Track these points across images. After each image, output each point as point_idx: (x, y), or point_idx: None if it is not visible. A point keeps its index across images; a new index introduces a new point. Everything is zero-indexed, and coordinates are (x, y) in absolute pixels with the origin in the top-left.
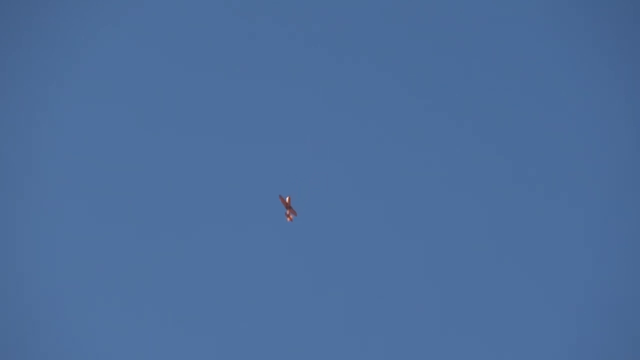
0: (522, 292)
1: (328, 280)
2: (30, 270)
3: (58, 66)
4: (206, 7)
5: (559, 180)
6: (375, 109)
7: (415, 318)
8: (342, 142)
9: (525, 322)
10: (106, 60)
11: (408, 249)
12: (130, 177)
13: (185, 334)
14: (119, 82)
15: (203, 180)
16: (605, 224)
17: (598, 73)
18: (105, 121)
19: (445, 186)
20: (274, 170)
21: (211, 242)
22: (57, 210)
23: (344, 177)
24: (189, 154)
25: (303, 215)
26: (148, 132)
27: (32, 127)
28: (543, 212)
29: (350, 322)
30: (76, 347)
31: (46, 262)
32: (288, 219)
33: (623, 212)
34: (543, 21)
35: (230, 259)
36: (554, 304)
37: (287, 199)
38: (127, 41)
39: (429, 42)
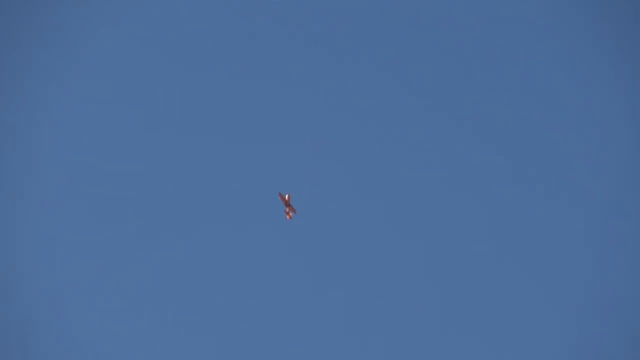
0: (522, 292)
1: (328, 280)
2: (30, 270)
3: (58, 66)
4: (206, 7)
5: (559, 180)
6: (375, 109)
7: (414, 318)
8: (342, 142)
9: (525, 322)
10: (106, 60)
11: (408, 249)
12: (130, 177)
13: (185, 334)
14: (119, 82)
15: (203, 180)
16: (605, 224)
17: (598, 73)
18: (105, 121)
19: (445, 186)
20: (274, 169)
21: (211, 242)
22: (57, 210)
23: (344, 176)
24: (189, 153)
25: (303, 214)
26: (148, 132)
27: (32, 127)
28: (543, 212)
29: (350, 321)
30: (76, 347)
31: (46, 262)
32: (287, 217)
33: (623, 212)
34: (543, 21)
35: (230, 259)
36: (554, 304)
37: (286, 196)
38: (127, 41)
39: (429, 42)
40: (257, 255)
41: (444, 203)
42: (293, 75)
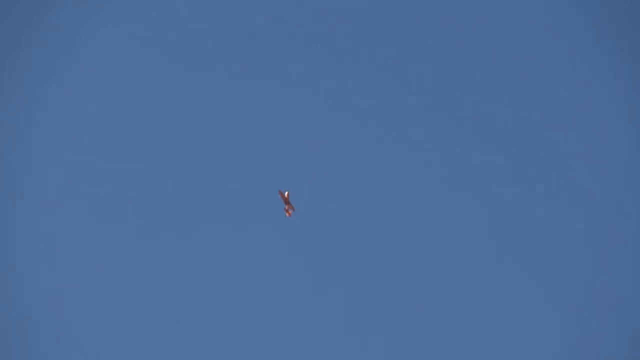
0: (522, 292)
1: (328, 279)
2: (30, 270)
3: (58, 66)
4: (206, 7)
5: (559, 180)
6: (375, 109)
7: (414, 318)
8: (342, 142)
9: (525, 322)
10: (106, 60)
11: (407, 249)
12: (131, 177)
13: (185, 334)
14: (119, 82)
15: (203, 180)
16: (605, 224)
17: (598, 73)
18: (106, 121)
19: (444, 186)
20: (274, 169)
21: (211, 241)
22: (57, 210)
23: (343, 176)
24: (189, 154)
25: (303, 214)
26: (148, 132)
27: (32, 127)
28: (543, 212)
29: (350, 321)
30: (76, 347)
31: (46, 262)
32: (287, 214)
33: (623, 212)
34: (543, 21)
35: (230, 259)
36: (554, 304)
37: (285, 194)
38: (127, 41)
39: (429, 42)
40: (258, 255)
41: (443, 203)
42: (293, 75)
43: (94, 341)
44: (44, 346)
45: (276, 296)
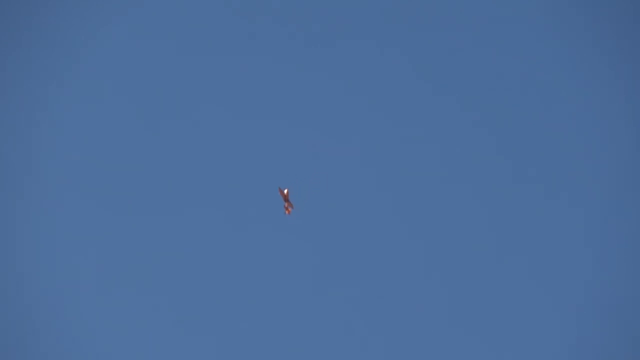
0: (521, 292)
1: (328, 279)
2: (30, 270)
3: (58, 66)
4: (206, 7)
5: (559, 180)
6: (375, 109)
7: (413, 318)
8: (342, 142)
9: (525, 322)
10: (106, 60)
11: (406, 249)
12: (131, 177)
13: (185, 334)
14: (119, 82)
15: (204, 180)
16: (605, 224)
17: (598, 73)
18: (106, 121)
19: (444, 186)
20: (274, 169)
21: (212, 241)
22: (57, 210)
23: (343, 176)
24: (189, 153)
25: (304, 213)
26: (148, 132)
27: (32, 127)
28: (543, 212)
29: (350, 321)
30: (76, 347)
31: (46, 262)
32: (286, 212)
33: (623, 212)
34: (543, 21)
35: (230, 259)
36: (554, 304)
37: (285, 191)
38: (127, 41)
39: (429, 41)
40: (258, 254)
41: (443, 203)
42: (293, 75)
43: (94, 341)
44: (44, 346)
45: (277, 296)
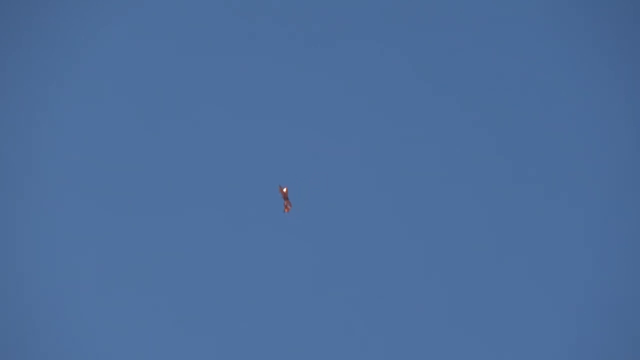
0: (521, 292)
1: (328, 279)
2: (30, 270)
3: (58, 66)
4: (206, 7)
5: (559, 180)
6: (375, 108)
7: (414, 318)
8: (341, 142)
9: (525, 321)
10: (106, 60)
11: (406, 249)
12: (131, 177)
13: (185, 334)
14: (119, 82)
15: (204, 180)
16: (605, 224)
17: (598, 73)
18: (106, 121)
19: (444, 186)
20: (274, 169)
21: (212, 241)
22: (57, 210)
23: (343, 176)
24: (190, 153)
25: (304, 213)
26: (148, 132)
27: (32, 127)
28: (543, 212)
29: (350, 321)
30: (76, 347)
31: (46, 262)
32: (286, 210)
33: (623, 212)
34: (543, 21)
35: (230, 258)
36: (554, 304)
37: (284, 189)
38: (127, 41)
39: (429, 41)
40: (258, 254)
41: (442, 203)
42: (293, 75)
43: (94, 341)
44: (44, 346)
45: (277, 296)
